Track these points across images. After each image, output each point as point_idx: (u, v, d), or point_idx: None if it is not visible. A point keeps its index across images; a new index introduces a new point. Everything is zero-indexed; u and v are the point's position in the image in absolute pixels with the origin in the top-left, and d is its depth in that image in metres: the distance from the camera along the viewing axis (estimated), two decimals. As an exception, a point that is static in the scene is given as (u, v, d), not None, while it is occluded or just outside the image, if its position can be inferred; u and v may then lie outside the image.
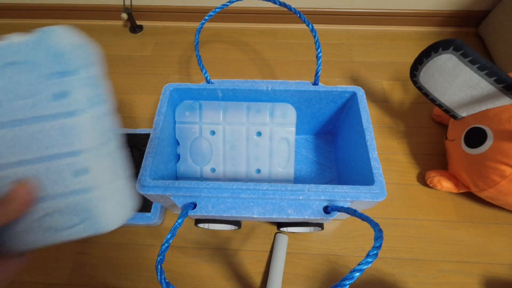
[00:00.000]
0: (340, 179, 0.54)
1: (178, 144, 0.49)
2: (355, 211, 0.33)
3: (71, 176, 0.21)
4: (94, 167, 0.21)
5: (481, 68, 0.45)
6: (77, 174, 0.21)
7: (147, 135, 0.43)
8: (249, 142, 0.46)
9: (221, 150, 0.47)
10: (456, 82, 0.48)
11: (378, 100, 0.72)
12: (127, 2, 0.86)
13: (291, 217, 0.38)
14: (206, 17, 0.46)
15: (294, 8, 0.43)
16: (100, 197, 0.22)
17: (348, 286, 0.23)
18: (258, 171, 0.47)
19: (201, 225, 0.48)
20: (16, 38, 0.20)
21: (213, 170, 0.47)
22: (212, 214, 0.38)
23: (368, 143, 0.40)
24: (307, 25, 0.43)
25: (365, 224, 0.30)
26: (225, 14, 0.85)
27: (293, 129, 0.46)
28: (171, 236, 0.32)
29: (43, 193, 0.21)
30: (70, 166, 0.21)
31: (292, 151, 0.47)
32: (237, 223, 0.50)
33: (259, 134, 0.46)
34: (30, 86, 0.20)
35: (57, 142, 0.20)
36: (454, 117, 0.54)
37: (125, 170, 0.23)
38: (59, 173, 0.21)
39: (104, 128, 0.22)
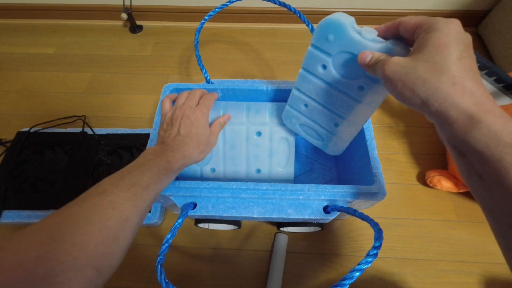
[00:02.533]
0: (340, 179, 0.54)
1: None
2: (355, 211, 0.33)
3: (332, 123, 0.38)
4: (343, 128, 0.38)
5: (481, 68, 0.45)
6: (335, 125, 0.38)
7: (147, 135, 0.43)
8: (249, 142, 0.46)
9: (221, 150, 0.46)
10: (456, 81, 0.48)
11: (378, 100, 0.72)
12: (127, 2, 0.86)
13: (291, 217, 0.38)
14: (206, 17, 0.46)
15: (294, 8, 0.43)
16: (334, 141, 0.41)
17: (348, 286, 0.23)
18: (258, 171, 0.47)
19: (201, 225, 0.48)
20: (369, 35, 0.28)
21: (213, 170, 0.47)
22: (212, 214, 0.38)
23: (368, 143, 0.40)
24: (307, 25, 0.43)
25: (365, 223, 0.30)
26: (225, 14, 0.85)
27: None
28: (171, 236, 0.32)
29: (317, 120, 0.39)
30: (335, 120, 0.37)
31: (292, 150, 0.46)
32: (237, 223, 0.50)
33: (259, 134, 0.46)
34: (351, 73, 0.31)
35: (340, 107, 0.35)
36: (454, 116, 0.54)
37: (350, 140, 0.40)
38: (329, 119, 0.38)
39: (363, 118, 0.35)
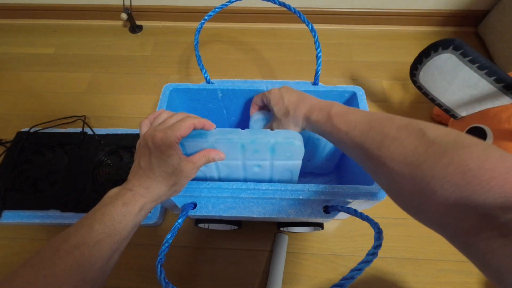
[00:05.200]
0: (340, 179, 0.54)
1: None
2: (355, 210, 0.33)
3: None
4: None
5: (480, 68, 0.45)
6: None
7: (147, 135, 0.43)
8: (247, 172, 0.40)
9: (216, 177, 0.41)
10: (456, 81, 0.48)
11: (378, 99, 0.72)
12: (127, 2, 0.86)
13: (291, 217, 0.38)
14: (206, 17, 0.46)
15: (293, 8, 0.43)
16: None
17: (348, 286, 0.23)
18: None
19: (201, 225, 0.48)
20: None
21: None
22: (212, 214, 0.38)
23: (368, 143, 0.40)
24: (307, 25, 0.43)
25: (365, 223, 0.30)
26: (225, 14, 0.85)
27: (299, 162, 0.38)
28: (171, 236, 0.32)
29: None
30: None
31: (296, 177, 0.41)
32: (237, 223, 0.50)
33: (258, 166, 0.39)
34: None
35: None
36: (454, 116, 0.54)
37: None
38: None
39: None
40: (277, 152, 0.36)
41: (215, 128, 0.33)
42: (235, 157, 0.37)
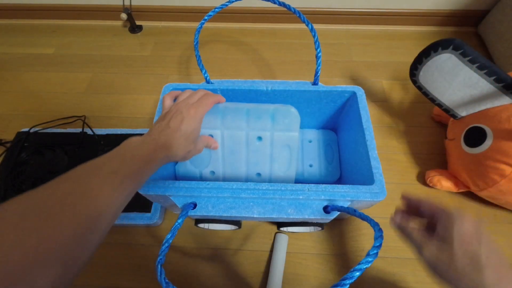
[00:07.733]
0: (340, 179, 0.54)
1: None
2: (355, 210, 0.33)
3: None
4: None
5: (480, 67, 0.45)
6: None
7: (147, 135, 0.43)
8: (249, 147, 0.44)
9: (220, 155, 0.45)
10: (456, 81, 0.48)
11: (378, 99, 0.72)
12: (127, 2, 0.86)
13: (291, 217, 0.38)
14: (206, 17, 0.46)
15: (293, 8, 0.43)
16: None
17: (348, 286, 0.23)
18: (258, 174, 0.46)
19: (201, 225, 0.48)
20: None
21: (212, 173, 0.46)
22: (212, 214, 0.38)
23: (368, 143, 0.40)
24: (307, 25, 0.43)
25: (365, 223, 0.30)
26: (224, 14, 0.85)
27: (296, 134, 0.43)
28: (171, 236, 0.32)
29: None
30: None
31: (295, 156, 0.44)
32: (237, 223, 0.50)
33: (259, 138, 0.43)
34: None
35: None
36: (454, 116, 0.54)
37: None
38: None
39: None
40: (277, 118, 0.42)
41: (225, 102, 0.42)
42: (240, 124, 0.43)
